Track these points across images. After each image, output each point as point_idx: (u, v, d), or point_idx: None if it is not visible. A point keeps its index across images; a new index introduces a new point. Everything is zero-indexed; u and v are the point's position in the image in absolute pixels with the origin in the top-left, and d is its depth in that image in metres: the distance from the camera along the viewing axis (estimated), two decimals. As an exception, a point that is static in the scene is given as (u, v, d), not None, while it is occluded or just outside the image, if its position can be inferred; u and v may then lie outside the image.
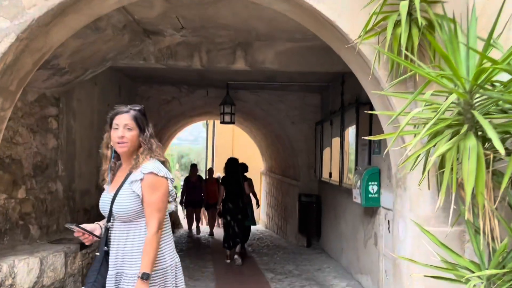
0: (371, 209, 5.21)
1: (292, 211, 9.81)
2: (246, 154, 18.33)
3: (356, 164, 5.49)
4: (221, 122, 8.22)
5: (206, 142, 21.63)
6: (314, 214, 8.61)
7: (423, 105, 2.43)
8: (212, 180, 11.33)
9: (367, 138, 2.78)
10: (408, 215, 3.14)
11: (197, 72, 7.45)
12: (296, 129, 9.13)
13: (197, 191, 10.89)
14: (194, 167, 11.40)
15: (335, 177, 6.74)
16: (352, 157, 5.87)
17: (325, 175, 7.58)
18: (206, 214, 11.85)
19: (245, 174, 8.19)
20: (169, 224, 2.52)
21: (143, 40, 5.21)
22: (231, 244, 7.25)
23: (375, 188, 4.93)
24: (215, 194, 10.03)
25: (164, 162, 2.48)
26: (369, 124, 5.33)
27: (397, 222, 3.39)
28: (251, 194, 8.12)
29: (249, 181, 8.02)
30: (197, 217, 11.29)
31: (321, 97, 9.08)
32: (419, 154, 2.45)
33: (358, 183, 4.98)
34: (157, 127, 8.79)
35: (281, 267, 6.91)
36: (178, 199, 12.16)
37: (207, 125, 20.44)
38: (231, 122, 8.18)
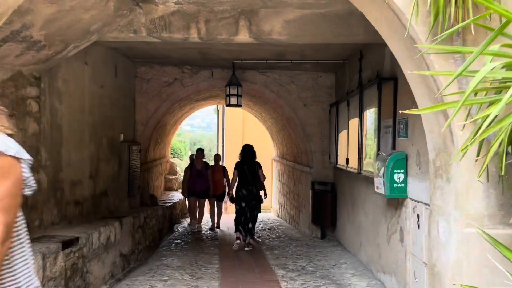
0: (395, 200, 4.54)
1: (305, 200, 9.17)
2: (256, 140, 17.64)
3: (378, 149, 4.81)
4: (226, 105, 7.57)
5: (217, 128, 20.97)
6: (329, 203, 7.96)
7: (488, 62, 1.72)
8: (218, 167, 10.00)
9: (408, 112, 2.07)
10: (453, 212, 2.46)
11: (198, 50, 6.79)
12: (309, 112, 8.43)
13: (203, 180, 9.37)
14: (200, 152, 9.77)
15: (353, 163, 6.05)
16: (372, 141, 5.18)
17: (341, 161, 6.90)
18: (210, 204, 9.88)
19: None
20: (25, 229, 1.73)
21: (132, 9, 4.54)
22: (242, 230, 7.34)
23: (401, 176, 4.24)
24: (221, 183, 9.65)
25: (12, 136, 1.71)
26: (393, 102, 4.62)
27: (435, 221, 2.72)
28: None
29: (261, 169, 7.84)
30: (201, 210, 9.60)
31: (336, 76, 8.35)
32: (484, 134, 1.75)
33: (381, 171, 4.30)
34: (159, 111, 8.19)
35: (293, 263, 6.30)
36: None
37: (218, 110, 19.82)
38: (238, 105, 7.51)
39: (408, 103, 4.22)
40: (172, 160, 14.63)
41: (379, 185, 4.40)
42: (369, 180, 5.46)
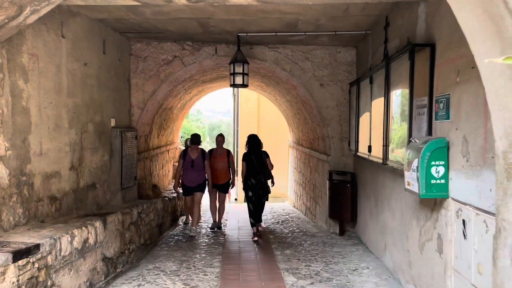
0: (432, 199, 3.59)
1: (321, 191, 8.26)
2: (272, 125, 16.86)
3: (410, 136, 3.84)
4: (231, 85, 6.67)
5: (234, 113, 19.99)
6: (348, 196, 7.04)
7: None
8: (221, 152, 7.95)
9: (496, 60, 1.14)
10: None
11: (197, 21, 5.89)
12: (326, 92, 7.46)
13: (198, 172, 7.49)
14: (195, 138, 7.64)
15: (377, 152, 5.10)
16: (402, 125, 4.21)
17: (363, 149, 5.95)
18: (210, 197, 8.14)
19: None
20: None
21: (100, -37, 3.67)
22: (254, 221, 7.31)
23: (441, 170, 3.29)
24: (224, 172, 7.90)
25: None
26: (430, 76, 3.64)
27: (506, 244, 1.79)
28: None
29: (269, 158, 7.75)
30: (197, 208, 7.64)
31: (357, 51, 7.32)
32: None
33: (414, 163, 3.35)
34: (158, 93, 7.37)
35: (306, 267, 5.44)
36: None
37: (234, 94, 18.89)
38: (243, 85, 6.60)
39: (450, 75, 3.24)
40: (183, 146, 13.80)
41: (411, 181, 3.46)
42: (397, 173, 4.51)
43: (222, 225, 8.11)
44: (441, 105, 3.44)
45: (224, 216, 8.82)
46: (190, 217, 8.00)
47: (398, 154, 4.30)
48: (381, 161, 4.81)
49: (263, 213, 10.18)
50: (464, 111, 3.06)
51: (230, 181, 8.11)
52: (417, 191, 3.35)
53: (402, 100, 4.22)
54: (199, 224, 8.25)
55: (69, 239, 4.05)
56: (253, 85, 11.01)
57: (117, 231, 5.26)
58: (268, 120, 16.85)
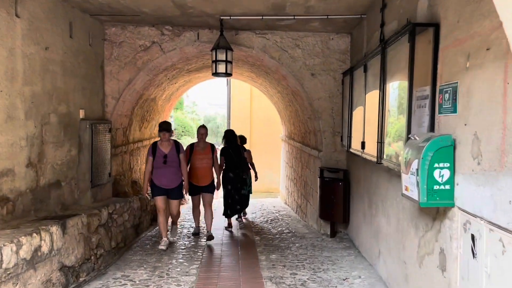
0: (434, 208, 3.06)
1: (313, 188, 7.74)
2: (265, 117, 16.31)
3: (409, 132, 3.29)
4: (213, 74, 6.09)
5: (227, 105, 19.32)
6: (340, 195, 6.52)
7: None
8: (204, 147, 6.55)
9: None
10: None
11: (172, 1, 5.29)
12: (317, 83, 6.90)
13: (172, 170, 6.03)
14: (164, 124, 6.09)
15: (371, 149, 4.56)
16: (399, 120, 3.67)
17: (356, 145, 5.41)
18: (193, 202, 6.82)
19: (244, 145, 8.45)
20: None
21: None
22: (230, 213, 7.55)
23: (446, 174, 2.75)
24: (208, 171, 6.56)
25: None
26: (433, 61, 3.09)
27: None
28: (249, 165, 8.29)
29: (248, 152, 8.25)
30: (173, 215, 6.40)
31: (351, 38, 6.76)
32: None
33: (414, 164, 2.81)
34: (136, 83, 6.79)
35: (291, 275, 4.92)
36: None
37: (227, 86, 18.27)
38: (227, 74, 6.02)
39: (458, 59, 2.69)
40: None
41: (410, 186, 2.92)
42: (392, 173, 3.98)
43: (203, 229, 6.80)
44: (446, 95, 2.89)
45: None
46: (161, 228, 6.15)
47: (394, 148, 3.75)
48: (375, 159, 4.27)
49: (253, 210, 9.76)
50: (475, 102, 2.52)
51: (216, 181, 6.81)
52: (416, 198, 2.81)
53: (400, 91, 3.67)
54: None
55: (14, 248, 3.50)
56: (243, 75, 10.45)
57: (81, 236, 4.71)
58: (261, 113, 16.31)
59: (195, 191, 6.60)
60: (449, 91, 2.86)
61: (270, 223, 8.40)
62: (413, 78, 3.25)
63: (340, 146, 6.77)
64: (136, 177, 8.51)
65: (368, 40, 5.56)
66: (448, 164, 2.74)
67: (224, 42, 5.94)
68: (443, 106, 2.94)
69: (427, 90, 3.16)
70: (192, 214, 7.08)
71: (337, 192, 6.54)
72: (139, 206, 6.79)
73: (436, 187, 2.74)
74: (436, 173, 2.73)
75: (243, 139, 8.85)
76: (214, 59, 5.95)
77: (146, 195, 6.69)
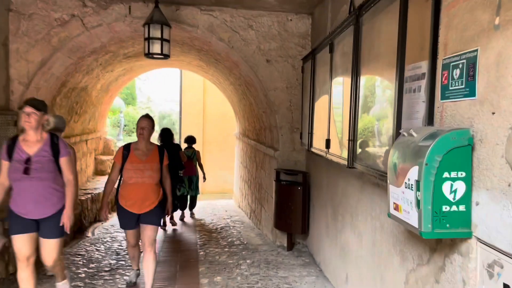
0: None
1: (268, 192, 6.78)
2: (219, 113, 15.17)
3: (398, 126, 2.33)
4: (145, 55, 4.94)
5: (179, 99, 17.86)
6: (298, 202, 5.58)
7: None
8: (148, 150, 4.18)
9: None
10: None
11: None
12: (273, 70, 5.92)
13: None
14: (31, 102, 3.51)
15: (338, 149, 3.62)
16: (383, 108, 2.73)
17: (318, 143, 4.47)
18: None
19: (193, 146, 8.65)
20: None
21: None
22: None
23: (461, 187, 1.82)
24: (150, 188, 4.09)
25: None
26: (433, 24, 2.16)
27: None
28: (197, 166, 8.54)
29: (197, 152, 8.57)
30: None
31: (313, 20, 5.84)
32: None
33: (411, 172, 1.87)
34: (52, 65, 5.52)
35: (238, 306, 3.91)
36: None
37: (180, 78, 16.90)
38: (163, 55, 4.90)
39: (478, 15, 1.75)
40: (110, 137, 11.81)
41: (403, 204, 1.97)
42: (365, 179, 3.06)
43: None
44: (456, 72, 1.97)
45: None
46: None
47: (373, 149, 2.81)
48: (344, 161, 3.33)
49: (202, 215, 8.73)
50: (508, 80, 1.60)
51: (166, 205, 4.36)
52: (415, 224, 1.87)
53: (382, 72, 2.73)
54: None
55: None
56: (192, 65, 9.30)
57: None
58: (215, 108, 15.17)
59: (128, 222, 4.13)
60: (460, 65, 1.93)
61: (220, 231, 7.35)
62: (403, 50, 2.31)
63: (300, 145, 5.84)
64: (61, 180, 7.18)
65: (333, 20, 4.64)
66: (464, 174, 1.81)
67: (159, 16, 4.82)
68: (450, 88, 2.02)
69: (423, 67, 2.24)
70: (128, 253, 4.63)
71: (295, 198, 5.60)
72: None
73: (445, 208, 1.81)
74: (445, 187, 1.80)
75: (192, 140, 8.71)
76: (146, 36, 4.81)
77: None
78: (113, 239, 6.44)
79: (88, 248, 5.82)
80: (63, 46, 5.43)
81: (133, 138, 25.30)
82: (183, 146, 8.51)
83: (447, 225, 1.81)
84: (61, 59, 5.69)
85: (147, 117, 4.25)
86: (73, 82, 6.90)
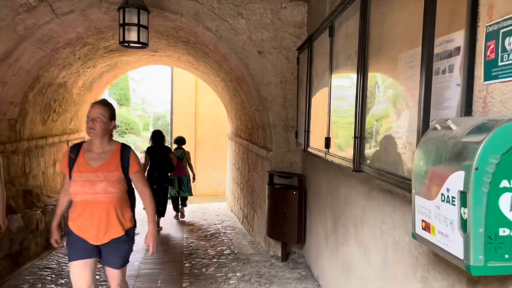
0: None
1: (260, 196, 6.23)
2: (212, 113, 14.54)
3: (426, 117, 1.76)
4: (120, 43, 4.37)
5: (170, 99, 17.17)
6: (294, 207, 5.04)
7: None
8: (106, 153, 2.99)
9: None
10: None
11: None
12: (266, 63, 5.38)
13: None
14: None
15: (340, 149, 3.08)
16: (400, 95, 2.19)
17: (316, 143, 3.92)
18: None
19: (183, 146, 8.69)
20: None
21: None
22: (160, 210, 7.42)
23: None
24: (106, 209, 2.92)
25: None
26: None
27: None
28: (187, 166, 8.61)
29: (187, 153, 8.69)
30: None
31: (309, 8, 5.30)
32: None
33: (452, 181, 1.31)
34: (18, 56, 4.96)
35: (224, 332, 3.35)
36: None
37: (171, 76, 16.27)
38: (140, 44, 4.33)
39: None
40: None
41: (437, 224, 1.43)
42: (374, 183, 2.52)
43: None
44: (509, 41, 1.42)
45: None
46: None
47: (386, 154, 2.26)
48: (348, 163, 2.78)
49: (192, 220, 8.24)
50: None
51: (136, 230, 3.67)
52: (457, 252, 1.32)
53: (400, 50, 2.18)
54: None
55: None
56: (181, 61, 8.74)
57: None
58: (207, 108, 14.57)
59: (78, 251, 2.94)
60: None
61: (209, 239, 6.79)
62: (433, 19, 1.75)
63: (295, 145, 5.30)
64: (34, 184, 6.58)
65: (332, 5, 4.10)
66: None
67: (136, -1, 4.26)
68: (500, 64, 1.48)
69: (456, 40, 1.70)
70: None
71: (290, 204, 5.05)
72: (22, 226, 4.95)
73: (504, 231, 1.26)
74: (504, 202, 1.26)
75: (181, 140, 8.73)
76: (121, 22, 4.25)
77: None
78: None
79: (60, 260, 5.23)
80: (30, 35, 4.85)
81: (126, 140, 24.54)
82: (174, 147, 8.65)
83: (506, 256, 1.27)
84: (29, 50, 5.12)
85: (103, 104, 3.04)
86: (48, 77, 6.32)
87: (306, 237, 5.07)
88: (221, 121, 13.84)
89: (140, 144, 24.68)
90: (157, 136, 7.60)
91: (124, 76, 33.51)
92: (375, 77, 2.44)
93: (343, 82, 3.07)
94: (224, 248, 6.16)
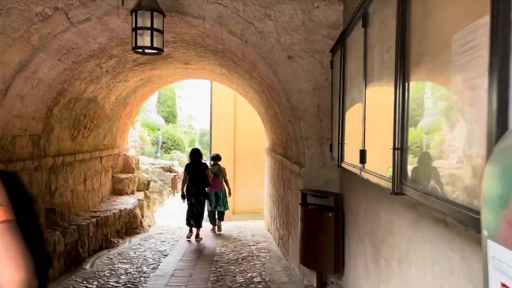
0: None
1: (294, 217, 5.63)
2: (251, 127, 14.05)
3: (502, 121, 1.14)
4: (133, 49, 4.01)
5: (210, 114, 16.90)
6: (330, 231, 4.39)
7: None
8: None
9: None
10: None
11: None
12: (297, 68, 4.84)
13: None
14: None
15: (377, 164, 2.45)
16: (459, 93, 1.56)
17: (351, 157, 3.30)
18: None
19: (219, 163, 9.25)
20: None
21: None
22: (192, 223, 8.08)
23: None
24: None
25: None
26: None
27: None
28: (223, 182, 9.09)
29: (223, 169, 9.17)
30: None
31: (345, 7, 4.73)
32: None
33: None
34: (35, 68, 4.75)
35: None
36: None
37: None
38: (155, 50, 3.94)
39: None
40: (130, 153, 11.01)
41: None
42: (422, 209, 1.87)
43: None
44: None
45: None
46: None
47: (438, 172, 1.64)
48: (386, 183, 2.16)
49: (226, 241, 7.76)
50: None
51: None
52: None
53: (453, 35, 1.57)
54: None
55: None
56: (214, 73, 8.39)
57: None
58: (246, 122, 14.14)
59: None
60: None
61: (240, 263, 6.24)
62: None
63: (330, 159, 4.68)
64: (61, 203, 6.38)
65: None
66: None
67: (149, 1, 3.89)
68: None
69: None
70: None
71: (325, 227, 4.41)
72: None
73: None
74: None
75: (217, 157, 9.28)
76: (133, 26, 3.88)
77: None
78: (112, 272, 5.49)
79: (76, 286, 4.88)
80: (46, 46, 4.62)
81: (171, 156, 24.96)
82: (210, 163, 9.31)
83: None
84: (48, 62, 4.90)
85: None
86: (74, 92, 6.14)
87: (345, 266, 4.40)
88: (260, 135, 13.35)
89: (184, 160, 24.95)
90: (194, 154, 8.37)
91: (172, 93, 34.20)
92: (418, 70, 1.83)
93: (379, 83, 2.47)
94: (254, 274, 5.59)
